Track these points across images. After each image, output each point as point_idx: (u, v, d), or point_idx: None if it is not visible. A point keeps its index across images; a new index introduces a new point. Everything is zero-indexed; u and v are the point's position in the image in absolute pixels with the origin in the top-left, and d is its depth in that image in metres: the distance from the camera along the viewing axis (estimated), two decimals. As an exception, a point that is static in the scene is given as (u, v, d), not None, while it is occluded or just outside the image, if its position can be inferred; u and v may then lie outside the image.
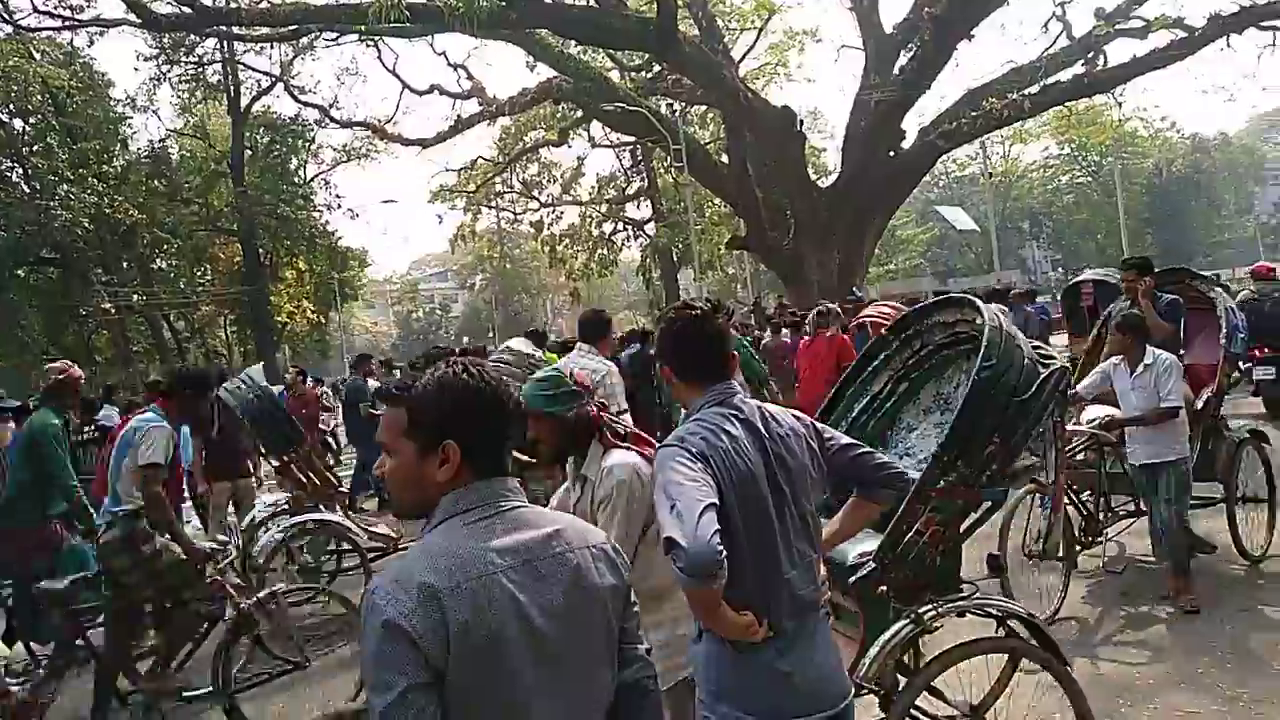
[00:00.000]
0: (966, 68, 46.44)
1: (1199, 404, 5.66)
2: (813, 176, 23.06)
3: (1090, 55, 19.63)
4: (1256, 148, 65.13)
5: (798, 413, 2.45)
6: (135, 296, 34.08)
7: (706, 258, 32.85)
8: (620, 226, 37.37)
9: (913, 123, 19.67)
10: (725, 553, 1.94)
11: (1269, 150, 66.95)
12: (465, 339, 57.06)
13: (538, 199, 35.54)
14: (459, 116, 22.66)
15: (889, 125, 18.13)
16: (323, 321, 41.80)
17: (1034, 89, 18.71)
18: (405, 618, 1.44)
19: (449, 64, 21.99)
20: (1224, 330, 5.75)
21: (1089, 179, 52.14)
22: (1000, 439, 3.00)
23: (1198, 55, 17.99)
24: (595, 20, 15.60)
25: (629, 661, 1.71)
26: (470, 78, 22.35)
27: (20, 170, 31.35)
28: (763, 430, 2.26)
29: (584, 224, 36.35)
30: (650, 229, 35.70)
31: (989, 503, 3.29)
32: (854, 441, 2.50)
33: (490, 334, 54.28)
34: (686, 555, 1.91)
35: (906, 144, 19.11)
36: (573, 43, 19.96)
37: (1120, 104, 24.07)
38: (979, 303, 3.37)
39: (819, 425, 2.46)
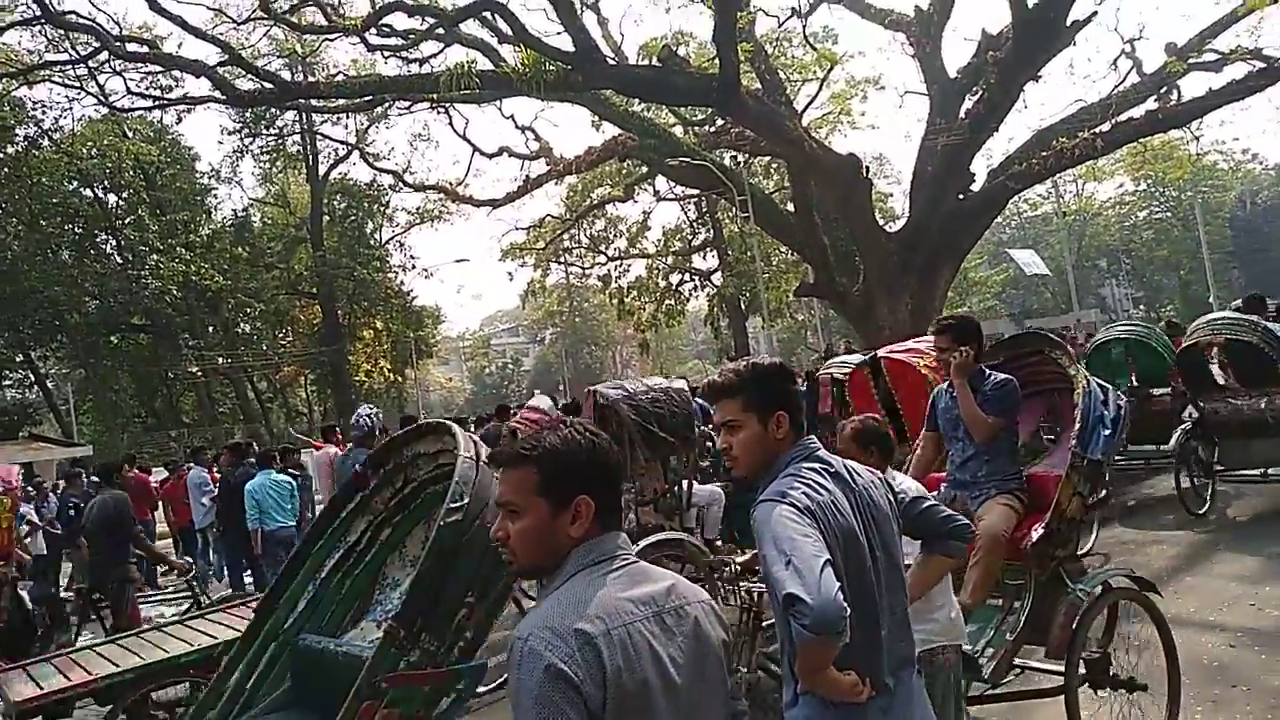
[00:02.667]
0: (1034, 108, 45.70)
1: (1031, 537, 3.92)
2: (881, 222, 22.91)
3: (1163, 90, 19.21)
4: (1347, 175, 62.55)
5: (868, 466, 2.42)
6: (220, 359, 35.38)
7: (774, 305, 32.76)
8: (687, 277, 37.57)
9: (981, 165, 19.46)
10: (849, 609, 1.90)
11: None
12: (536, 392, 57.68)
13: (605, 253, 36.02)
14: (527, 176, 23.22)
15: (956, 168, 17.95)
16: (399, 379, 42.75)
17: (1105, 126, 18.35)
18: (567, 663, 1.50)
19: (517, 126, 22.70)
20: (1077, 425, 4.09)
21: (1168, 214, 50.72)
22: (477, 597, 2.61)
23: (1277, 85, 17.47)
24: (658, 79, 15.86)
25: (735, 716, 1.79)
26: (538, 139, 22.93)
27: (113, 242, 33.11)
28: (851, 483, 2.23)
29: (651, 276, 36.65)
30: (717, 278, 35.81)
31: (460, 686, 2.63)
32: (921, 494, 2.51)
33: (561, 387, 54.73)
34: (813, 611, 1.86)
35: (976, 186, 18.89)
36: (637, 101, 20.36)
37: (1198, 138, 23.47)
38: (456, 429, 3.02)
39: (887, 478, 2.41)
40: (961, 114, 18.32)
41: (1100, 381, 4.35)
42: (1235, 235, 51.45)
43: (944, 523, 2.45)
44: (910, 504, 2.41)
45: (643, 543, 5.44)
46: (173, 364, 33.60)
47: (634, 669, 1.55)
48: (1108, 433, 4.07)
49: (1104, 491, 4.61)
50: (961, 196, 18.48)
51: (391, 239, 40.68)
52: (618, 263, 36.10)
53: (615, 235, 36.02)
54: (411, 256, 40.89)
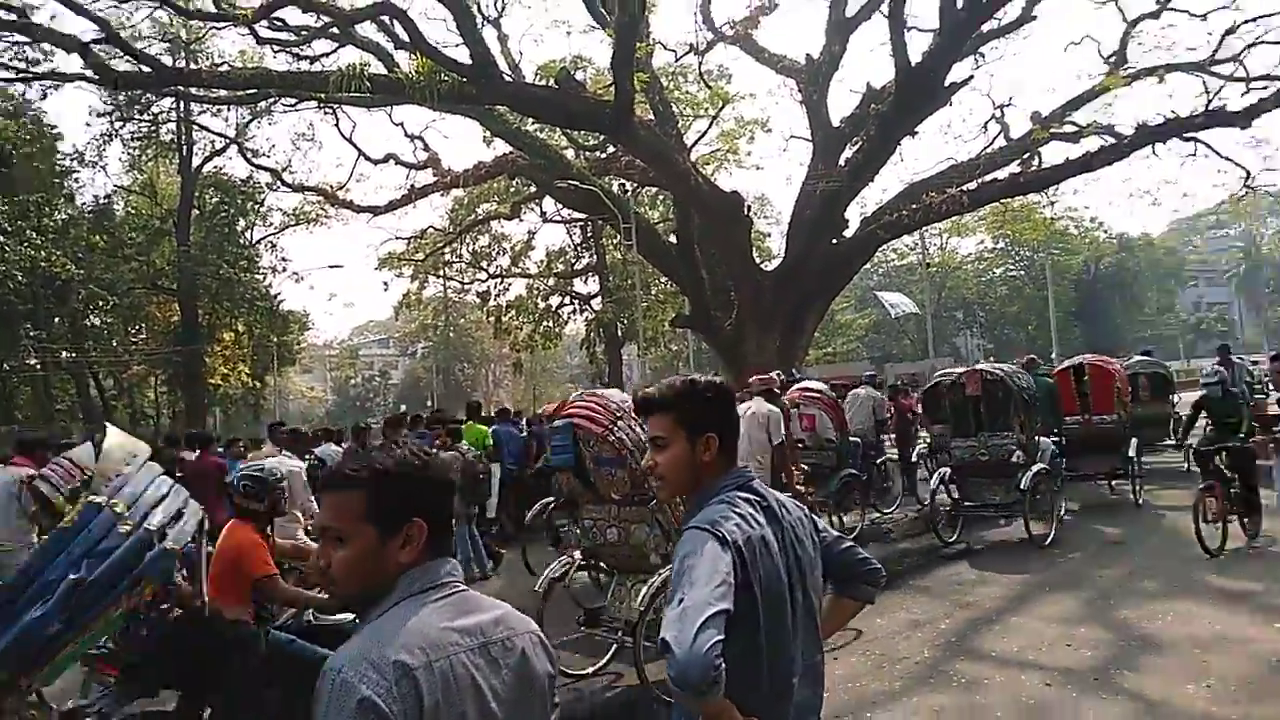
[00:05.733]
0: (909, 162, 48.25)
1: None
2: (757, 260, 23.57)
3: (1026, 156, 20.60)
4: (1178, 250, 68.47)
5: (795, 500, 2.32)
6: (64, 353, 33.07)
7: (650, 334, 33.19)
8: (567, 300, 37.64)
9: (855, 212, 20.35)
10: (722, 667, 1.78)
11: (1189, 253, 70.43)
12: (403, 407, 56.31)
13: (486, 270, 35.66)
14: (413, 186, 22.82)
15: (832, 214, 18.68)
16: (258, 385, 40.96)
17: (972, 185, 19.51)
18: (382, 696, 1.42)
19: (406, 134, 22.31)
20: None
21: (1021, 273, 54.20)
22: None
23: (1125, 160, 19.03)
24: (554, 100, 15.94)
25: None
26: (427, 148, 22.61)
27: (-46, 220, 30.51)
28: (781, 520, 2.12)
29: (531, 296, 36.52)
30: (597, 303, 36.02)
31: None
32: (840, 534, 2.38)
33: (429, 402, 53.62)
34: (677, 665, 1.77)
35: (849, 232, 19.69)
36: (530, 120, 20.38)
37: (1053, 203, 25.30)
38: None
39: (812, 514, 2.32)
40: (841, 162, 19.13)
41: None
42: (1079, 296, 55.41)
43: (860, 564, 2.36)
44: (831, 543, 2.31)
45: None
46: (9, 355, 31.17)
47: (453, 703, 1.48)
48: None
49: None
50: (835, 241, 19.23)
51: (263, 239, 39.08)
52: (498, 280, 35.82)
53: (498, 252, 35.73)
54: (283, 259, 39.28)
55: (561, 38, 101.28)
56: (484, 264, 35.62)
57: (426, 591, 1.58)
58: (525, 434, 13.58)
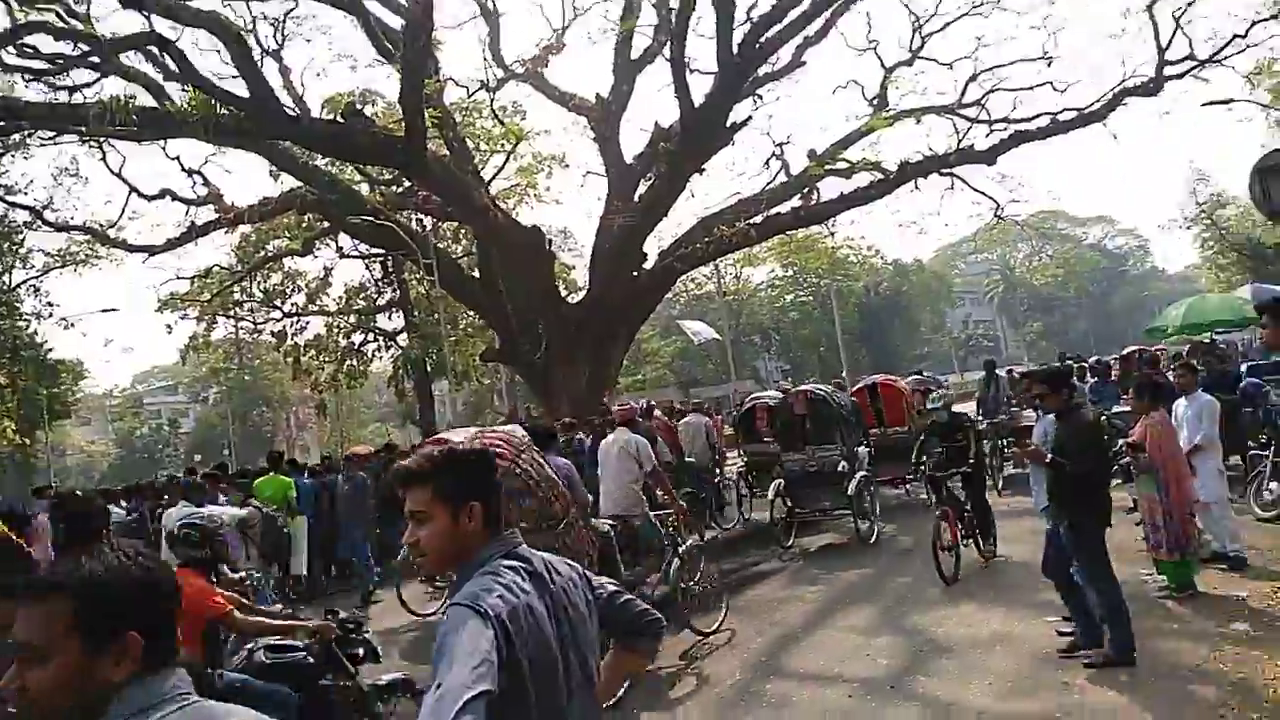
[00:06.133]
0: (700, 197, 50.40)
1: None
2: (563, 293, 23.86)
3: (806, 190, 21.99)
4: (945, 274, 74.97)
5: (569, 560, 2.26)
6: None
7: (462, 369, 32.70)
8: (371, 337, 36.44)
9: (653, 245, 21.01)
10: None
11: (955, 276, 77.33)
12: (197, 457, 52.56)
13: (280, 308, 33.98)
14: (193, 223, 21.46)
15: (631, 247, 19.25)
16: (27, 442, 37.06)
17: (758, 219, 20.64)
18: None
19: (184, 169, 20.93)
20: None
21: (810, 298, 57.49)
22: None
23: (893, 194, 20.74)
24: (342, 135, 15.58)
25: None
26: (207, 183, 21.29)
27: None
28: (550, 583, 2.06)
29: (331, 334, 35.10)
30: (403, 340, 35.10)
31: None
32: (618, 588, 2.32)
33: (226, 451, 50.40)
34: None
35: (648, 264, 20.33)
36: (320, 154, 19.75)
37: (833, 234, 27.03)
38: None
39: (587, 573, 2.27)
40: (636, 197, 19.77)
41: None
42: (863, 319, 59.49)
43: (640, 616, 2.29)
44: (608, 599, 2.24)
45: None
46: None
47: None
48: None
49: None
50: (636, 274, 19.81)
51: (24, 283, 35.51)
52: (294, 319, 34.21)
53: (292, 290, 34.12)
54: (49, 304, 35.78)
55: (347, 72, 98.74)
56: (278, 302, 33.94)
57: (149, 710, 1.44)
58: (315, 483, 13.02)
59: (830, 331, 50.50)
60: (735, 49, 15.53)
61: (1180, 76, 19.82)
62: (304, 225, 25.28)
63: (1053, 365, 11.19)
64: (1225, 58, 19.73)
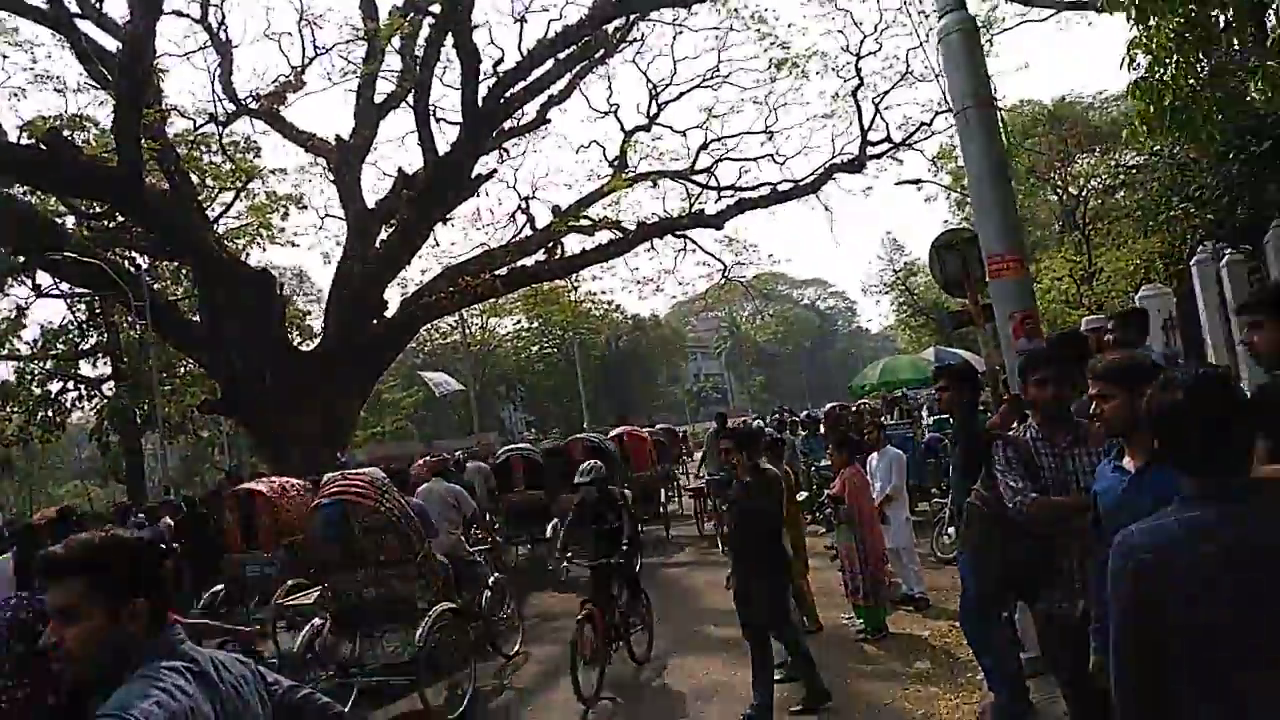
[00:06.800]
0: (446, 246, 50.07)
1: None
2: (299, 339, 22.76)
3: (550, 245, 22.59)
4: (680, 329, 79.07)
5: (242, 656, 2.17)
6: None
7: (177, 420, 30.04)
8: (70, 385, 32.58)
9: (395, 293, 20.67)
10: None
11: (689, 331, 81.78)
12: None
13: (-46, 352, 29.67)
14: None
15: (371, 294, 18.79)
16: None
17: (503, 271, 20.91)
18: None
19: None
20: None
21: (555, 350, 58.46)
22: None
23: (632, 252, 21.83)
24: (45, 164, 14.09)
25: None
26: None
27: None
28: (219, 683, 1.94)
29: (23, 382, 31.05)
30: (108, 388, 31.69)
31: None
32: (295, 683, 2.28)
33: None
34: None
35: (389, 312, 19.92)
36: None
37: (576, 288, 27.84)
38: None
39: (261, 669, 2.19)
40: (378, 244, 19.38)
41: None
42: (604, 370, 61.28)
43: (321, 711, 2.24)
44: (286, 691, 2.18)
45: None
46: None
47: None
48: None
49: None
50: (376, 321, 19.34)
51: None
52: (-27, 364, 29.98)
53: (-28, 331, 29.93)
54: None
55: (52, 95, 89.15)
56: (-49, 345, 29.60)
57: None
58: None
59: (574, 382, 51.54)
60: (480, 101, 15.83)
61: (879, 156, 22.67)
62: (-10, 258, 22.39)
63: (745, 426, 11.07)
64: (915, 142, 22.82)
